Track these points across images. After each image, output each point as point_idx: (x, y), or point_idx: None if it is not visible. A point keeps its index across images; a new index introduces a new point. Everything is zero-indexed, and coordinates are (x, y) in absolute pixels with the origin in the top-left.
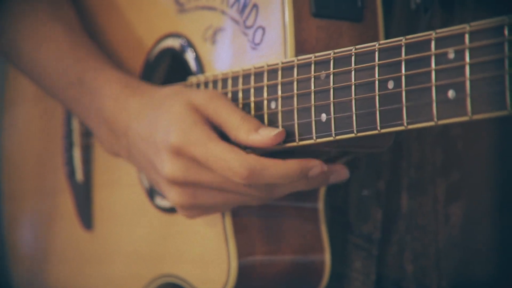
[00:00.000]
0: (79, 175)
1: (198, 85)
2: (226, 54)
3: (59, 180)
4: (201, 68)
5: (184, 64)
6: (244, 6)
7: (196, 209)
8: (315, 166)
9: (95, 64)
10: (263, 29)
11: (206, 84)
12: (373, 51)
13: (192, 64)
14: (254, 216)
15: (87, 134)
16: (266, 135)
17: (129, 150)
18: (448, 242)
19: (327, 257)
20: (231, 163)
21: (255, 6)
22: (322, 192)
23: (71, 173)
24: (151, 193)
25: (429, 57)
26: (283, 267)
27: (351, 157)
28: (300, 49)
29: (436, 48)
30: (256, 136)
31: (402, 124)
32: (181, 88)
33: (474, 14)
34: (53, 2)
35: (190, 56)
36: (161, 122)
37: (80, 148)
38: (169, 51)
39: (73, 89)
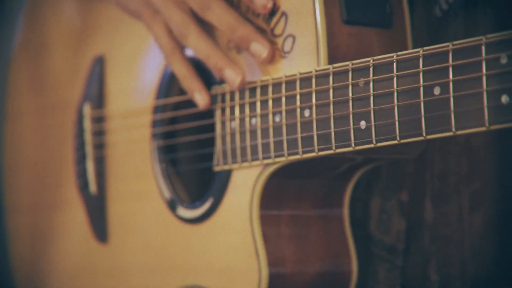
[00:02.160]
0: (93, 187)
1: (223, 95)
2: (252, 63)
3: (68, 192)
4: None
5: (207, 73)
6: (272, 14)
7: None
8: None
9: None
10: (294, 37)
11: (232, 94)
12: (417, 57)
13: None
14: (282, 225)
15: (99, 146)
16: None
17: None
18: (472, 250)
19: (354, 266)
20: None
21: (284, 14)
22: (347, 198)
23: (83, 186)
24: (172, 204)
25: (479, 62)
26: (312, 276)
27: (374, 165)
28: (332, 56)
29: (487, 54)
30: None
31: (450, 130)
32: None
33: (494, 20)
34: None
35: None
36: None
37: (93, 160)
38: (191, 60)
39: None
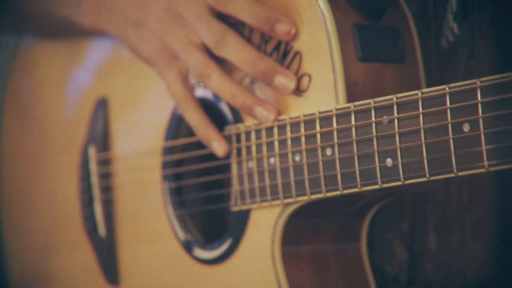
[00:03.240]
0: (102, 230)
1: (238, 135)
2: (268, 99)
3: (73, 234)
4: (239, 118)
5: (220, 114)
6: (285, 54)
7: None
8: (284, 22)
9: None
10: (309, 76)
11: (247, 134)
12: (443, 95)
13: (229, 114)
14: (303, 262)
15: (107, 188)
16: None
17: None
18: (474, 277)
19: None
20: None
21: (297, 53)
22: (364, 232)
23: (91, 229)
24: (188, 245)
25: (510, 98)
26: None
27: (393, 199)
28: (350, 94)
29: None
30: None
31: (483, 167)
32: None
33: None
34: None
35: (224, 105)
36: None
37: (100, 203)
38: (200, 101)
39: None
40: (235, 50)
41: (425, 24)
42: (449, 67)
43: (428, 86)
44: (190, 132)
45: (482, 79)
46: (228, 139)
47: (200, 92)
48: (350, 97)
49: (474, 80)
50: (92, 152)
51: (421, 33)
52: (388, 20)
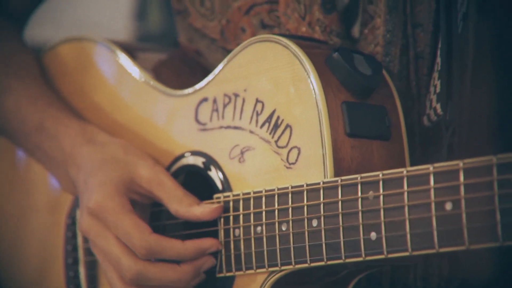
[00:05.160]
0: None
1: (226, 203)
2: (256, 172)
3: None
4: (228, 186)
5: (209, 182)
6: (276, 126)
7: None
8: (212, 246)
9: (54, 112)
10: (299, 149)
11: (235, 202)
12: (427, 174)
13: (218, 183)
14: None
15: (91, 250)
16: (207, 207)
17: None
18: None
19: None
20: (134, 240)
21: (288, 126)
22: None
23: None
24: None
25: (491, 181)
26: None
27: (376, 270)
28: (337, 168)
29: (498, 174)
30: (198, 208)
31: (463, 244)
32: (131, 157)
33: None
34: (8, 54)
35: (214, 174)
36: (94, 181)
37: (84, 265)
38: (190, 168)
39: (33, 136)
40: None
41: (408, 102)
42: (431, 145)
43: (411, 162)
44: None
45: (465, 161)
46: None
47: (190, 159)
48: (338, 171)
49: (457, 162)
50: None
51: (405, 110)
52: (375, 97)
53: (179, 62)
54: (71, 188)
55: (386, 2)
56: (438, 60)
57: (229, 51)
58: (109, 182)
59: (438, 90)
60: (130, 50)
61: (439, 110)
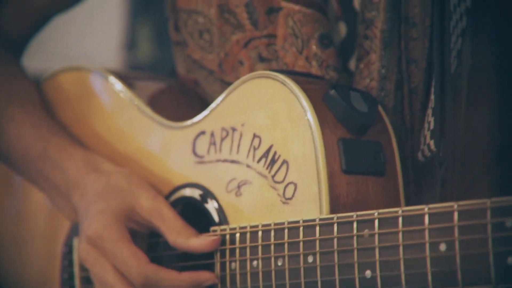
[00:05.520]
0: None
1: (223, 236)
2: (253, 207)
3: None
4: (225, 220)
5: (206, 214)
6: (273, 162)
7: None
8: (209, 279)
9: (58, 140)
10: (295, 184)
11: (232, 236)
12: (422, 215)
13: (215, 215)
14: None
15: (88, 279)
16: (205, 239)
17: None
18: None
19: None
20: (131, 269)
21: (285, 162)
22: None
23: None
24: None
25: (485, 224)
26: None
27: None
28: (333, 205)
29: (492, 217)
30: (196, 240)
31: (457, 285)
32: (133, 187)
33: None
34: (9, 82)
35: (211, 207)
36: (95, 209)
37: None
38: (187, 200)
39: (36, 163)
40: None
41: (402, 137)
42: (426, 180)
43: (406, 197)
44: None
45: (460, 203)
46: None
47: (188, 191)
48: (333, 207)
49: (452, 203)
50: (76, 243)
51: (399, 145)
52: (371, 132)
53: (178, 92)
54: (72, 216)
55: (381, 38)
56: (432, 97)
57: (227, 83)
58: (109, 211)
59: (432, 127)
60: (129, 80)
61: (432, 147)
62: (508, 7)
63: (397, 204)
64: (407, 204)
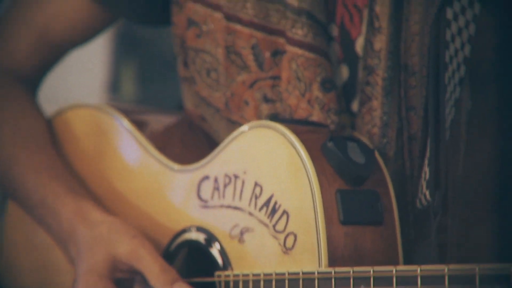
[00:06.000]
0: None
1: (227, 283)
2: (255, 254)
3: None
4: (228, 263)
5: (211, 258)
6: (273, 211)
7: None
8: None
9: (55, 188)
10: (295, 235)
11: (235, 283)
12: (415, 276)
13: (219, 260)
14: None
15: None
16: (181, 286)
17: None
18: None
19: None
20: None
21: (285, 212)
22: None
23: None
24: None
25: None
26: None
27: None
28: (332, 256)
29: (480, 284)
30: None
31: None
32: (113, 235)
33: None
34: (17, 118)
35: (216, 252)
36: (81, 268)
37: None
38: (192, 243)
39: (38, 209)
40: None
41: (402, 183)
42: (423, 227)
43: (404, 245)
44: None
45: (451, 267)
46: (217, 284)
47: (193, 235)
48: (332, 258)
49: (443, 266)
50: None
51: (399, 192)
52: (368, 182)
53: (187, 128)
54: (73, 265)
55: (383, 86)
56: (428, 147)
57: (233, 122)
58: (94, 270)
59: (427, 177)
60: (139, 116)
61: (428, 197)
62: (506, 54)
63: (395, 252)
64: (405, 252)
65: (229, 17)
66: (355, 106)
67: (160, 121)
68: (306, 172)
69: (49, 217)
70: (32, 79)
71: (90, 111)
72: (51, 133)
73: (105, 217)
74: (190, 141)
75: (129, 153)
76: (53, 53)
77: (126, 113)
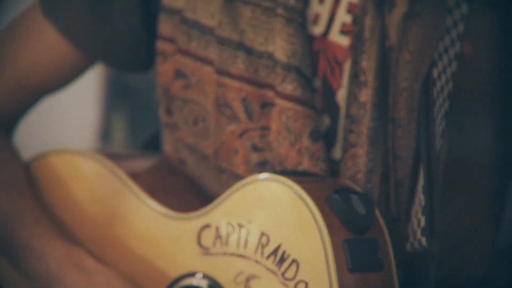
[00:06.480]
0: None
1: None
2: None
3: None
4: None
5: None
6: (282, 260)
7: None
8: None
9: (42, 232)
10: (306, 283)
11: None
12: None
13: None
14: None
15: None
16: None
17: None
18: None
19: None
20: None
21: (294, 261)
22: None
23: None
24: None
25: None
26: None
27: None
28: None
29: None
30: None
31: None
32: (110, 286)
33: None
34: None
35: None
36: None
37: None
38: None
39: (21, 255)
40: None
41: (389, 226)
42: (414, 273)
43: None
44: None
45: None
46: None
47: (194, 281)
48: None
49: None
50: None
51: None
52: (369, 231)
53: (166, 173)
54: None
55: (368, 135)
56: (421, 196)
57: (223, 169)
58: None
59: (422, 224)
60: (124, 161)
61: (424, 244)
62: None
63: None
64: None
65: (220, 71)
66: (336, 153)
67: (143, 165)
68: (316, 222)
69: (33, 261)
70: (10, 124)
71: (74, 156)
72: (29, 178)
73: (100, 267)
74: (172, 186)
75: (116, 198)
76: (30, 98)
77: (112, 158)
